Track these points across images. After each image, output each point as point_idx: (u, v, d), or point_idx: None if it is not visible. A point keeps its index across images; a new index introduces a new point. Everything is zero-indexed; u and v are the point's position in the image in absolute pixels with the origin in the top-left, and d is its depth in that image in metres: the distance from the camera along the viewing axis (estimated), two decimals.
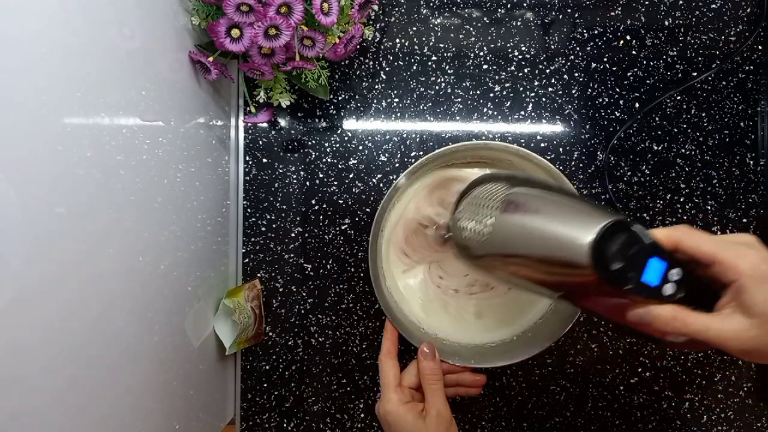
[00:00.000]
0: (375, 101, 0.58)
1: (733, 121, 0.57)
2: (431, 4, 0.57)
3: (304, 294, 0.58)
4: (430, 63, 0.57)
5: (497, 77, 0.57)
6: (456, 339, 0.54)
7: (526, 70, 0.57)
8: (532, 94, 0.57)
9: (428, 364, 0.47)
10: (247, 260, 0.58)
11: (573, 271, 0.33)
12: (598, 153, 0.57)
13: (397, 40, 0.57)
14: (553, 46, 0.57)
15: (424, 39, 0.57)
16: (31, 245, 0.28)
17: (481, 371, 0.52)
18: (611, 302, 0.35)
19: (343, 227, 0.58)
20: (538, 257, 0.35)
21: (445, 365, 0.49)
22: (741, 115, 0.57)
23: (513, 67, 0.57)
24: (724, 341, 0.31)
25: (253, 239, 0.58)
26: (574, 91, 0.57)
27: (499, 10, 0.57)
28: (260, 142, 0.58)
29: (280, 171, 0.58)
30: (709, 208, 0.57)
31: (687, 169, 0.57)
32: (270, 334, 0.58)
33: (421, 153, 0.57)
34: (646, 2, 0.57)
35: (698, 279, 0.34)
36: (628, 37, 0.57)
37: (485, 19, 0.57)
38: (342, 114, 0.58)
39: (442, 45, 0.57)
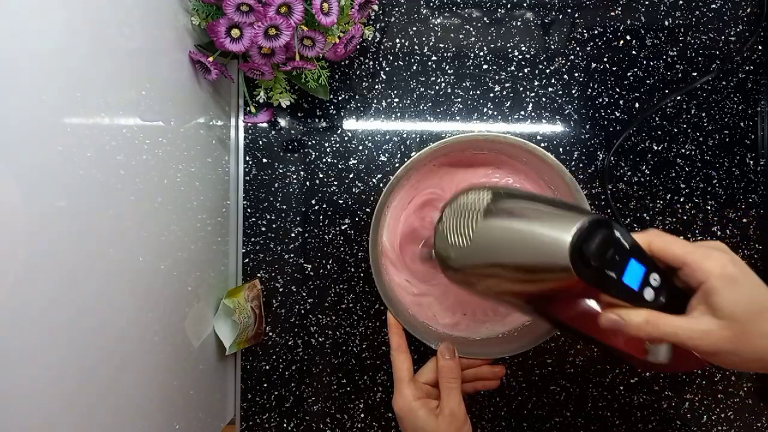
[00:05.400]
0: (375, 101, 0.58)
1: (733, 121, 0.57)
2: (431, 4, 0.57)
3: (304, 294, 0.58)
4: (430, 63, 0.57)
5: (497, 77, 0.57)
6: (444, 330, 0.54)
7: (526, 70, 0.57)
8: (532, 94, 0.57)
9: (447, 363, 0.47)
10: (247, 260, 0.58)
11: (553, 273, 0.32)
12: (598, 153, 0.57)
13: (397, 40, 0.57)
14: (553, 46, 0.57)
15: (424, 39, 0.57)
16: (29, 246, 0.28)
17: (502, 362, 0.51)
18: (585, 310, 0.35)
19: (343, 227, 0.58)
20: (519, 262, 0.35)
21: (464, 360, 0.50)
22: (741, 115, 0.57)
23: (513, 67, 0.57)
24: (695, 342, 0.32)
25: (253, 239, 0.58)
26: (574, 91, 0.57)
27: (499, 10, 0.57)
28: (260, 142, 0.58)
29: (280, 171, 0.58)
30: (709, 208, 0.57)
31: (687, 169, 0.57)
32: (270, 334, 0.58)
33: None
34: (646, 2, 0.57)
35: (674, 286, 0.34)
36: (628, 37, 0.57)
37: (485, 19, 0.57)
38: (342, 114, 0.58)
39: (442, 45, 0.57)
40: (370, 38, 0.56)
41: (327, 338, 0.58)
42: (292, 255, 0.58)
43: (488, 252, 0.36)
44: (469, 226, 0.37)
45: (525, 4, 0.57)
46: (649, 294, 0.33)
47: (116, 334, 0.36)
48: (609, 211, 0.57)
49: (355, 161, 0.58)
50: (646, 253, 0.33)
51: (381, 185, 0.58)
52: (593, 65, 0.57)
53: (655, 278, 0.33)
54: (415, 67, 0.57)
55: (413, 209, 0.54)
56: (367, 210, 0.58)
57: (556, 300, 0.36)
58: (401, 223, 0.54)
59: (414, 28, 0.57)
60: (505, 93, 0.58)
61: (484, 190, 0.39)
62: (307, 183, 0.58)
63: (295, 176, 0.58)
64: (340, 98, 0.58)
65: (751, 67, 0.57)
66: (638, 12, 0.57)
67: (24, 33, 0.28)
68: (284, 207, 0.58)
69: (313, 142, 0.58)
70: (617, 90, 0.57)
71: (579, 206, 0.36)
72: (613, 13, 0.58)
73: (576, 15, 0.58)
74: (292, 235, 0.58)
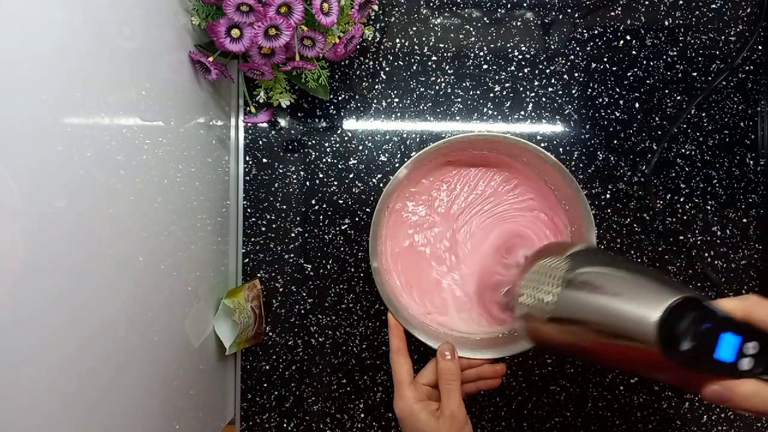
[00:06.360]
0: (375, 101, 0.58)
1: (733, 121, 0.57)
2: (431, 4, 0.57)
3: (304, 294, 0.58)
4: (430, 63, 0.57)
5: (497, 77, 0.57)
6: (444, 330, 0.54)
7: (526, 70, 0.57)
8: (532, 94, 0.57)
9: (446, 365, 0.47)
10: (247, 260, 0.58)
11: (640, 350, 0.32)
12: (598, 153, 0.57)
13: (397, 40, 0.57)
14: (553, 46, 0.57)
15: (424, 39, 0.57)
16: (29, 246, 0.28)
17: (501, 361, 0.51)
18: (685, 376, 0.34)
19: (343, 227, 0.58)
20: (603, 334, 0.34)
21: (464, 361, 0.49)
22: (741, 115, 0.57)
23: (513, 67, 0.57)
24: None
25: (253, 239, 0.58)
26: (574, 91, 0.57)
27: (499, 10, 0.57)
28: (260, 142, 0.58)
29: (280, 171, 0.58)
30: (709, 208, 0.57)
31: (687, 169, 0.57)
32: (270, 334, 0.58)
33: None
34: (646, 2, 0.57)
35: None
36: (628, 37, 0.57)
37: (485, 19, 0.57)
38: (342, 114, 0.58)
39: (442, 45, 0.57)
40: (370, 38, 0.56)
41: (327, 338, 0.58)
42: (292, 255, 0.58)
43: (570, 320, 0.36)
44: (549, 295, 0.37)
45: (525, 4, 0.57)
46: (746, 364, 0.31)
47: (116, 334, 0.36)
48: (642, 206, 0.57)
49: (355, 161, 0.58)
50: (740, 322, 0.32)
51: (381, 185, 0.58)
52: (593, 65, 0.57)
53: (753, 346, 0.31)
54: (415, 67, 0.57)
55: (491, 250, 0.54)
56: (367, 210, 0.58)
57: (648, 366, 0.35)
58: (479, 263, 0.54)
59: (414, 28, 0.57)
60: (505, 93, 0.58)
61: (562, 256, 0.38)
62: (307, 183, 0.58)
63: (295, 176, 0.58)
64: (340, 98, 0.58)
65: (751, 67, 0.57)
66: (638, 12, 0.57)
67: (24, 33, 0.28)
68: (284, 207, 0.58)
69: (313, 142, 0.58)
70: (617, 90, 0.57)
71: (659, 275, 0.35)
72: (613, 13, 0.58)
73: (576, 15, 0.58)
74: (292, 235, 0.58)
